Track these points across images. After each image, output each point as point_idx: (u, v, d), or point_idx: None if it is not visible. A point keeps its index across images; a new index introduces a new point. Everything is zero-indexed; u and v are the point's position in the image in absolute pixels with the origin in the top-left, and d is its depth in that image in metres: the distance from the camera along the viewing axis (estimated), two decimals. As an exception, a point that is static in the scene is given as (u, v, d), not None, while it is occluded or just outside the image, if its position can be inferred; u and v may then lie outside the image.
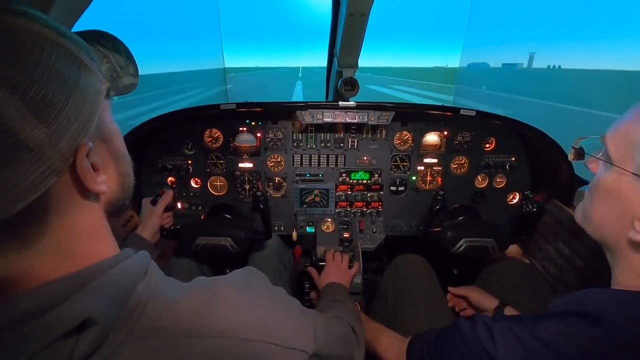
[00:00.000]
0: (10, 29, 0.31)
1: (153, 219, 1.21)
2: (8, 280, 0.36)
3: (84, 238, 0.41)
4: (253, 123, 1.54)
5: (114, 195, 0.47)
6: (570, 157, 0.72)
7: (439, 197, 1.33)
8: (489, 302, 1.13)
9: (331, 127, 1.56)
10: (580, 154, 0.69)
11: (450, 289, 1.28)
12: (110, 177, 0.46)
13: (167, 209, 1.28)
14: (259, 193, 1.31)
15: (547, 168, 1.49)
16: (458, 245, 1.33)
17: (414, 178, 1.64)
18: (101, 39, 0.48)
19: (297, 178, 1.63)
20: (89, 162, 0.38)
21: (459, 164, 1.62)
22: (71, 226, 0.39)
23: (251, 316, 0.48)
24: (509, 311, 1.06)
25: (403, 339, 0.87)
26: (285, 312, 0.55)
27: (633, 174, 0.52)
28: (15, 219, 0.32)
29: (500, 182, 1.63)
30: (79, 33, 0.43)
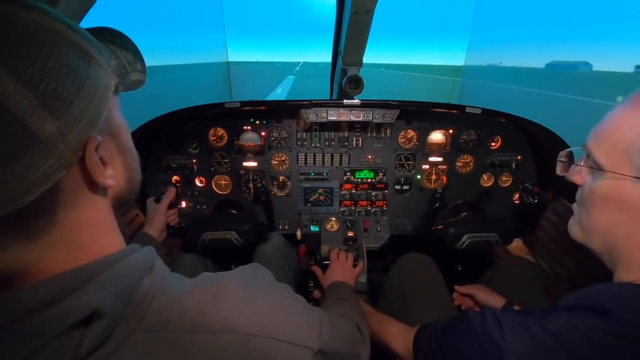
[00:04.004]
0: (23, 23, 0.32)
1: (158, 216, 1.22)
2: (18, 273, 0.36)
3: (91, 232, 0.41)
4: (257, 122, 1.54)
5: (120, 190, 0.48)
6: (559, 170, 0.70)
7: (437, 195, 1.35)
8: (495, 301, 1.11)
9: (335, 126, 1.56)
10: (570, 163, 0.67)
11: (456, 287, 1.27)
12: (117, 172, 0.46)
13: (171, 205, 1.29)
14: (259, 184, 1.32)
15: (553, 166, 1.47)
16: (461, 241, 1.33)
17: (418, 177, 1.63)
18: (110, 36, 0.48)
19: (302, 177, 1.63)
20: (97, 156, 0.38)
21: (465, 162, 1.60)
22: (79, 220, 0.39)
23: (256, 312, 0.48)
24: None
25: (410, 328, 0.87)
26: (291, 308, 0.55)
27: (634, 177, 0.51)
28: (25, 211, 0.32)
29: (506, 180, 1.62)
30: (88, 30, 0.43)
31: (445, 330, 0.68)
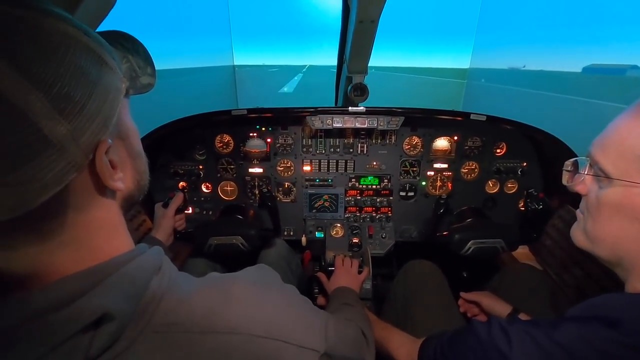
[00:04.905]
0: (37, 27, 0.32)
1: (166, 221, 1.24)
2: (30, 274, 0.37)
3: (100, 233, 0.42)
4: (263, 128, 1.56)
5: (129, 193, 0.48)
6: (565, 180, 0.69)
7: (442, 201, 1.35)
8: (501, 308, 1.11)
9: (340, 133, 1.57)
10: (575, 174, 0.66)
11: (462, 294, 1.26)
12: (126, 175, 0.47)
13: (179, 211, 1.31)
14: (265, 190, 1.32)
15: (559, 173, 1.46)
16: (466, 247, 1.32)
17: (423, 183, 1.63)
18: (122, 40, 0.49)
19: (307, 183, 1.64)
20: (107, 159, 0.39)
21: (470, 169, 1.60)
22: (89, 222, 0.40)
23: (263, 313, 0.48)
24: (522, 317, 1.04)
25: (415, 339, 0.87)
26: (297, 310, 0.55)
27: None
28: (36, 213, 0.33)
29: (511, 187, 1.61)
30: (100, 33, 0.44)
31: (451, 341, 0.68)
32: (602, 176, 0.57)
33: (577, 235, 0.65)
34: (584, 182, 0.63)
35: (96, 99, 0.35)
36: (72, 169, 0.34)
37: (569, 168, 0.68)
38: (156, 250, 0.48)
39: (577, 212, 0.66)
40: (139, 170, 0.50)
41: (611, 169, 0.55)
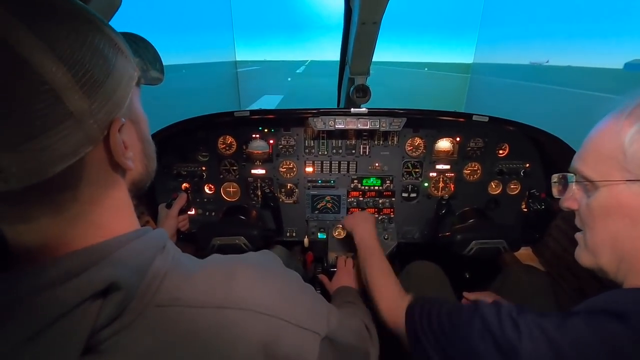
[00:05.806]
0: (69, 12, 0.37)
1: (169, 221, 1.25)
2: (43, 246, 0.39)
3: (110, 211, 0.44)
4: (266, 130, 1.56)
5: (138, 175, 0.51)
6: (555, 192, 0.70)
7: (444, 202, 1.36)
8: None
9: (343, 134, 1.57)
10: (564, 185, 0.67)
11: (465, 294, 1.27)
12: (136, 157, 0.49)
13: (182, 211, 1.32)
14: (267, 190, 1.33)
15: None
16: (468, 247, 1.33)
17: (426, 184, 1.63)
18: (133, 38, 0.54)
19: (309, 184, 1.64)
20: (120, 138, 0.42)
21: (472, 170, 1.60)
22: (99, 198, 0.43)
23: (266, 292, 0.50)
24: None
25: (403, 296, 0.89)
26: (300, 292, 0.57)
27: (626, 180, 0.53)
28: (52, 184, 0.35)
29: (514, 188, 1.61)
30: None
31: (452, 319, 0.66)
32: (585, 182, 0.60)
33: (582, 255, 0.66)
34: (573, 197, 0.65)
35: (112, 81, 0.39)
36: (88, 142, 0.37)
37: (555, 180, 0.71)
38: (160, 231, 0.49)
39: (577, 234, 0.67)
40: (148, 155, 0.53)
41: (592, 174, 0.58)
